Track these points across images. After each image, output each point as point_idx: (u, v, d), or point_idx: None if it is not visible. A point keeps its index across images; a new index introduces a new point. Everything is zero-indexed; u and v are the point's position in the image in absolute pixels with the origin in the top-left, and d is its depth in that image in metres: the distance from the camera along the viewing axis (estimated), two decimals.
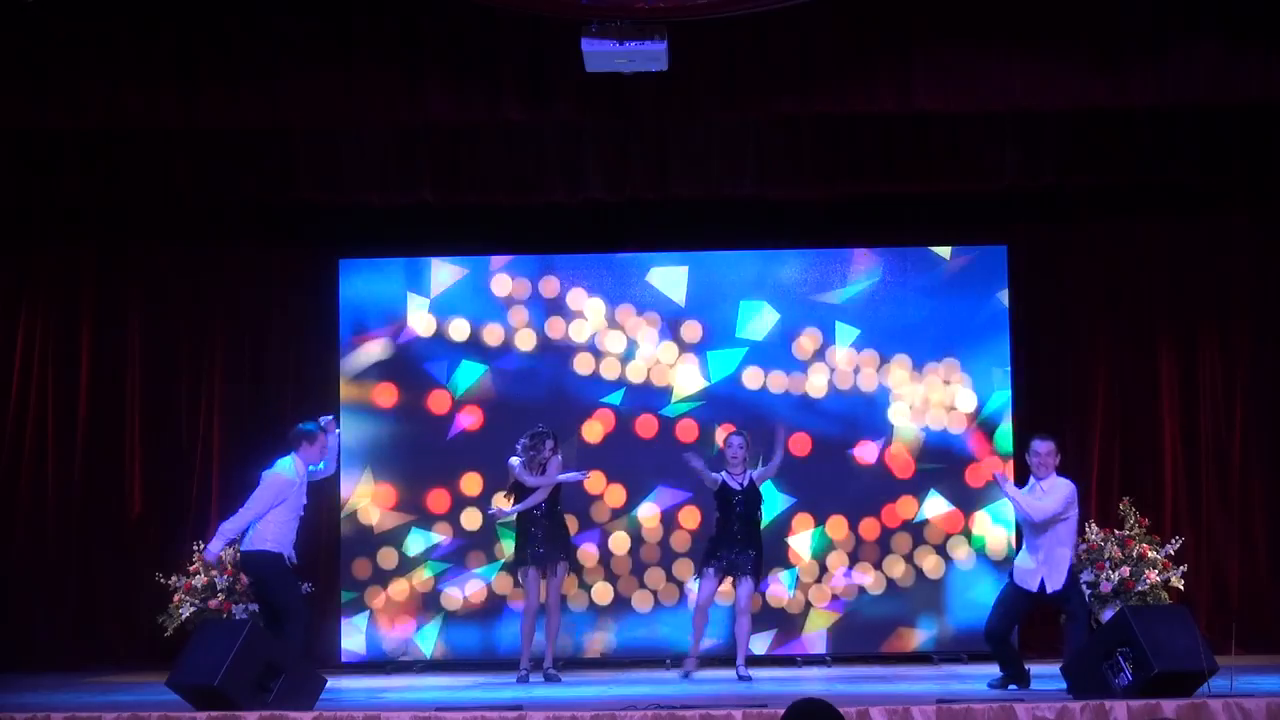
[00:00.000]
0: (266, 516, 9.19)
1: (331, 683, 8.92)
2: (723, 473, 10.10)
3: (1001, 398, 11.34)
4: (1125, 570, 10.67)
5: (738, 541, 10.00)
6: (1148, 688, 7.94)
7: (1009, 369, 11.36)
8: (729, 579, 10.09)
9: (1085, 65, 9.51)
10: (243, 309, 11.86)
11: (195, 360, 11.83)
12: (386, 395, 11.46)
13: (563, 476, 10.07)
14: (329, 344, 11.58)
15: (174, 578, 11.01)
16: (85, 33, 9.49)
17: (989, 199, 11.38)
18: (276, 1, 9.51)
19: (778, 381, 11.40)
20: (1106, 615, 10.31)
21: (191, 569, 11.02)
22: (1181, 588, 10.86)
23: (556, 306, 11.50)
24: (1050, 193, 11.36)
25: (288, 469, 9.32)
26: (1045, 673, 9.16)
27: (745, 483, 10.07)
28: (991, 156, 10.72)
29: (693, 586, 10.82)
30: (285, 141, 10.61)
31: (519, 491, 10.07)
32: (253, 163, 10.69)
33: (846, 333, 11.42)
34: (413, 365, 11.49)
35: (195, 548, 11.11)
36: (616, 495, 11.33)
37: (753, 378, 11.40)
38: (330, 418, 9.87)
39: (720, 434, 10.70)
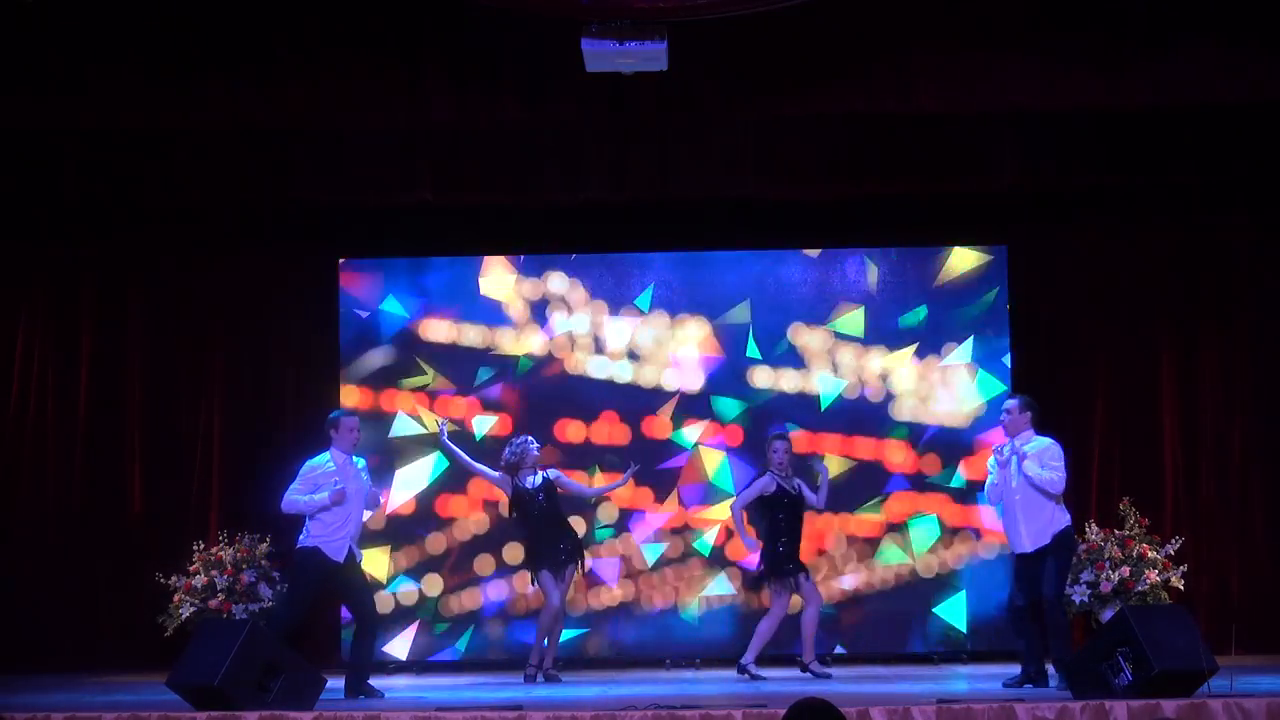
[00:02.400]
0: (315, 515, 9.21)
1: (331, 683, 8.92)
2: (768, 475, 9.99)
3: (1000, 396, 11.32)
4: (1125, 570, 10.68)
5: (794, 548, 9.93)
6: (1148, 688, 7.94)
7: (1009, 369, 11.37)
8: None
9: (1085, 65, 9.52)
10: (243, 309, 11.86)
11: (195, 360, 11.83)
12: (387, 395, 11.45)
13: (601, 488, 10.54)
14: (329, 344, 11.57)
15: (174, 578, 11.02)
16: (85, 32, 9.49)
17: (989, 199, 11.37)
18: (276, 1, 9.51)
19: (779, 380, 11.40)
20: (1106, 615, 10.32)
21: (191, 569, 11.03)
22: (1181, 588, 10.86)
23: (556, 307, 11.51)
24: (1050, 193, 11.36)
25: (323, 460, 9.34)
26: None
27: (796, 488, 10.01)
28: (991, 156, 10.71)
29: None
30: (285, 141, 10.60)
31: (520, 507, 10.10)
32: (253, 163, 10.68)
33: (847, 332, 11.42)
34: (413, 365, 11.49)
35: (195, 547, 11.13)
36: (622, 494, 11.33)
37: (754, 376, 11.41)
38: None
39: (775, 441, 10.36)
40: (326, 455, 9.36)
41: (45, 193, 10.87)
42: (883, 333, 11.43)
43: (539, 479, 10.11)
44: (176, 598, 10.95)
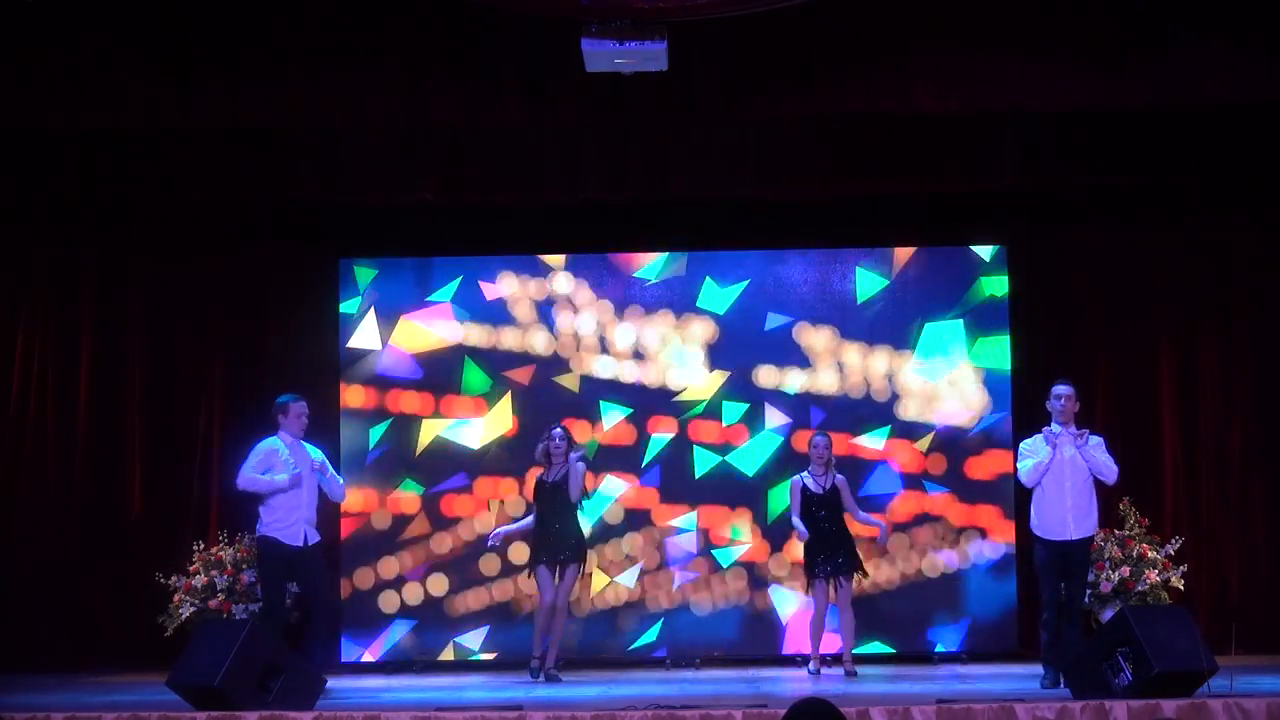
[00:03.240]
0: (267, 501, 9.36)
1: (331, 683, 8.92)
2: (804, 474, 10.21)
3: (1002, 397, 11.33)
4: (1125, 570, 10.68)
5: (830, 544, 10.07)
6: (1148, 688, 7.95)
7: (1009, 368, 11.36)
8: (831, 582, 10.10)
9: (1084, 65, 9.52)
10: (243, 309, 11.85)
11: (195, 360, 11.82)
12: (388, 396, 11.46)
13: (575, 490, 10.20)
14: (329, 344, 11.58)
15: (174, 578, 11.01)
16: (85, 32, 9.49)
17: (989, 199, 11.37)
18: (277, 2, 9.52)
19: (783, 379, 11.40)
20: (1106, 615, 10.32)
21: (191, 569, 11.03)
22: (1181, 588, 10.86)
23: (558, 306, 11.51)
24: (1050, 193, 11.35)
25: (274, 443, 9.51)
26: (1037, 673, 9.24)
27: (827, 485, 10.14)
28: (991, 156, 10.70)
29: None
30: (286, 141, 10.59)
31: (537, 496, 10.11)
32: (253, 163, 10.67)
33: (848, 331, 11.42)
34: (414, 365, 11.49)
35: (195, 547, 11.13)
36: (627, 494, 11.36)
37: (759, 375, 11.41)
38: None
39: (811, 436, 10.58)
40: (276, 439, 9.51)
41: (45, 193, 10.86)
42: (884, 332, 11.42)
43: (562, 475, 10.12)
44: (176, 598, 10.95)
